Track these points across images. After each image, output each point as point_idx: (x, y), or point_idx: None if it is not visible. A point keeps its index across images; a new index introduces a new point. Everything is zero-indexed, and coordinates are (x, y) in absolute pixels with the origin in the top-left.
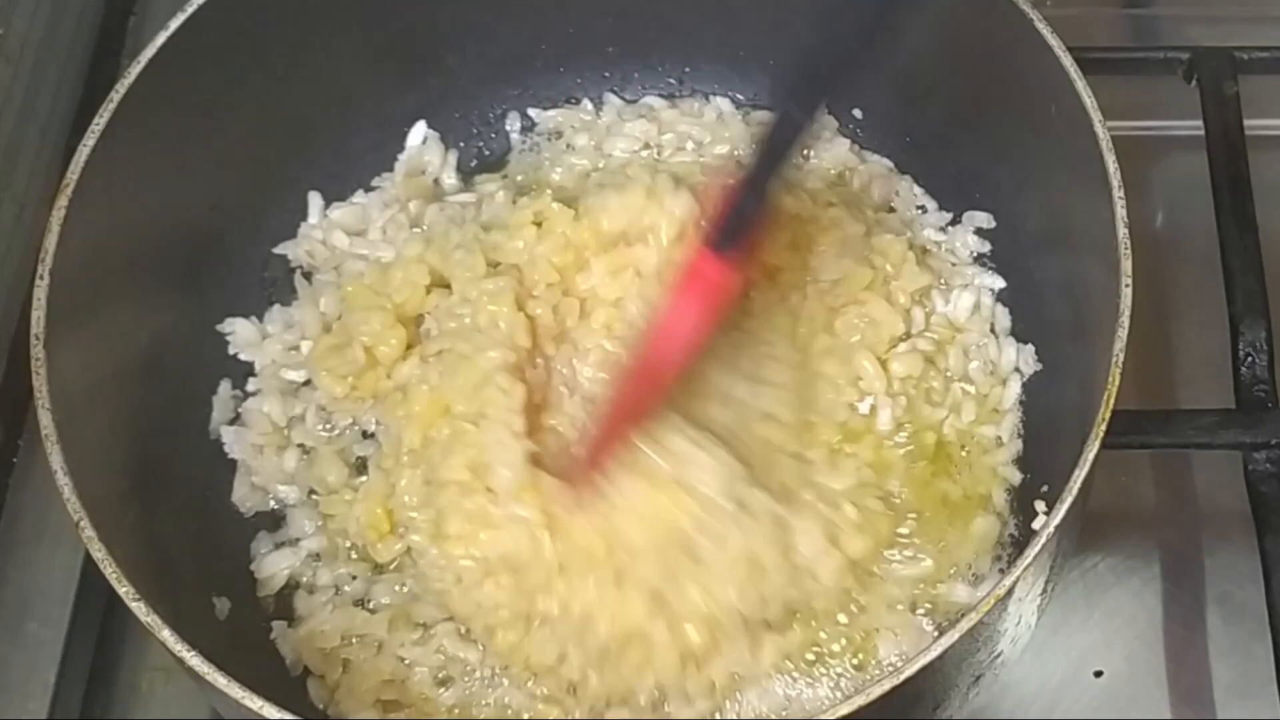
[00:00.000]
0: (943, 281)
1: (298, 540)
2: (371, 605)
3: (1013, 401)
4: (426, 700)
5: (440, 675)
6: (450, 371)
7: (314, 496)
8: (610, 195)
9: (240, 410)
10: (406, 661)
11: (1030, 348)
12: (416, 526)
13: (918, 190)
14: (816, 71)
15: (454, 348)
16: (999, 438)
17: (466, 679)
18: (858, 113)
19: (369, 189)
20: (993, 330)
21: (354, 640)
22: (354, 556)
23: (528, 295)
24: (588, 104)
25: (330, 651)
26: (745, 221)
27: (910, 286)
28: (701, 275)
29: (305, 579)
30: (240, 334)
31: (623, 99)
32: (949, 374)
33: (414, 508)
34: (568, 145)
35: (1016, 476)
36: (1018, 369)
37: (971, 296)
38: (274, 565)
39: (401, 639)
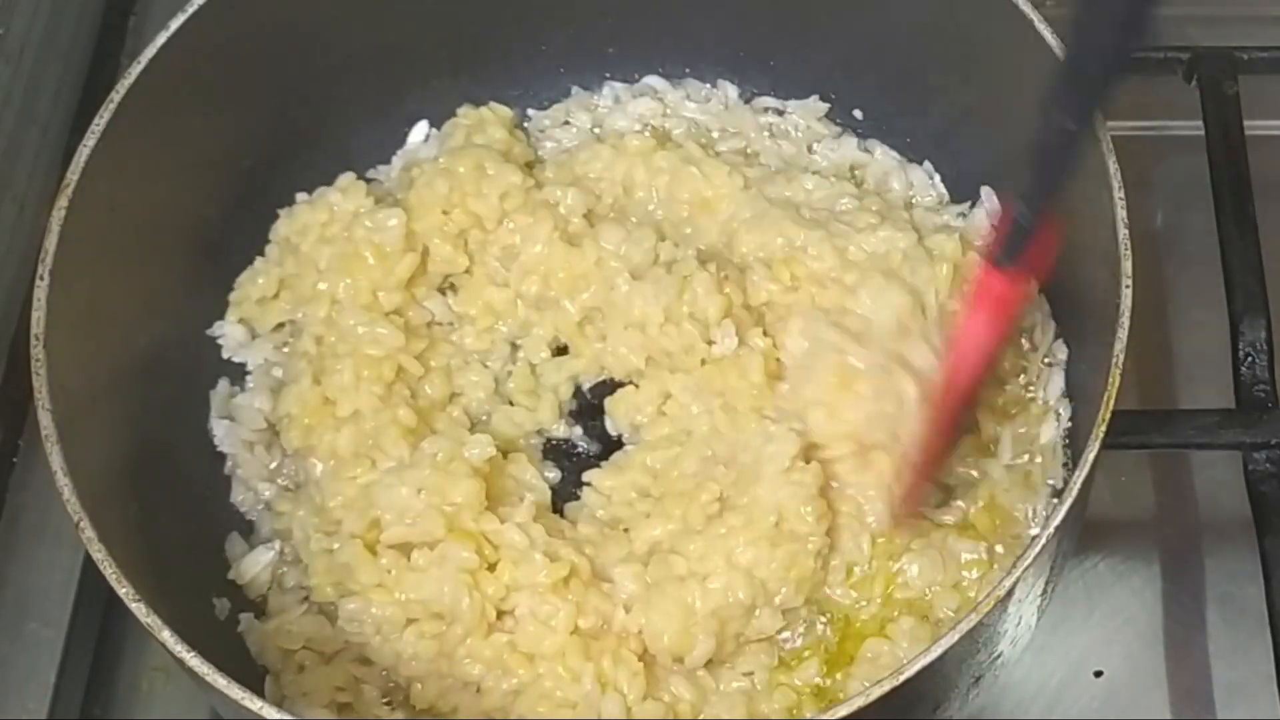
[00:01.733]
0: None
1: (271, 540)
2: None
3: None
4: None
5: (386, 700)
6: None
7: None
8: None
9: (232, 407)
10: (357, 677)
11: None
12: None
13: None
14: (1083, 77)
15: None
16: None
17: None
18: (858, 113)
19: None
20: None
21: (312, 647)
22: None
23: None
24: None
25: (290, 653)
26: (1025, 234)
27: None
28: (989, 291)
29: (280, 575)
30: (230, 335)
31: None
32: None
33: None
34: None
35: None
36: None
37: None
38: (251, 566)
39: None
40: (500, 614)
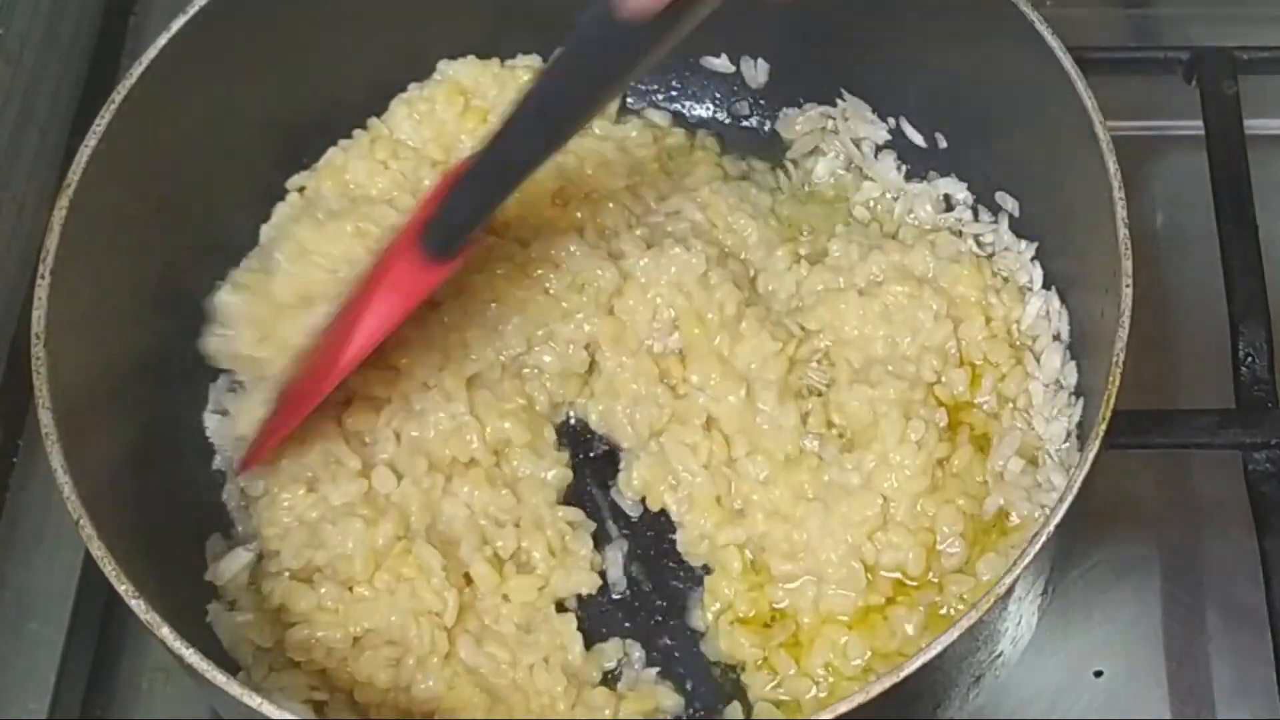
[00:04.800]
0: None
1: (251, 540)
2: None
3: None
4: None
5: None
6: None
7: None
8: None
9: (228, 402)
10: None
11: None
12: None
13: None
14: (547, 113)
15: None
16: None
17: None
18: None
19: None
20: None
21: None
22: None
23: None
24: None
25: (262, 650)
26: (461, 229)
27: None
28: (405, 275)
29: (258, 577)
30: (214, 345)
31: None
32: None
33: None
34: None
35: None
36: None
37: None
38: (229, 566)
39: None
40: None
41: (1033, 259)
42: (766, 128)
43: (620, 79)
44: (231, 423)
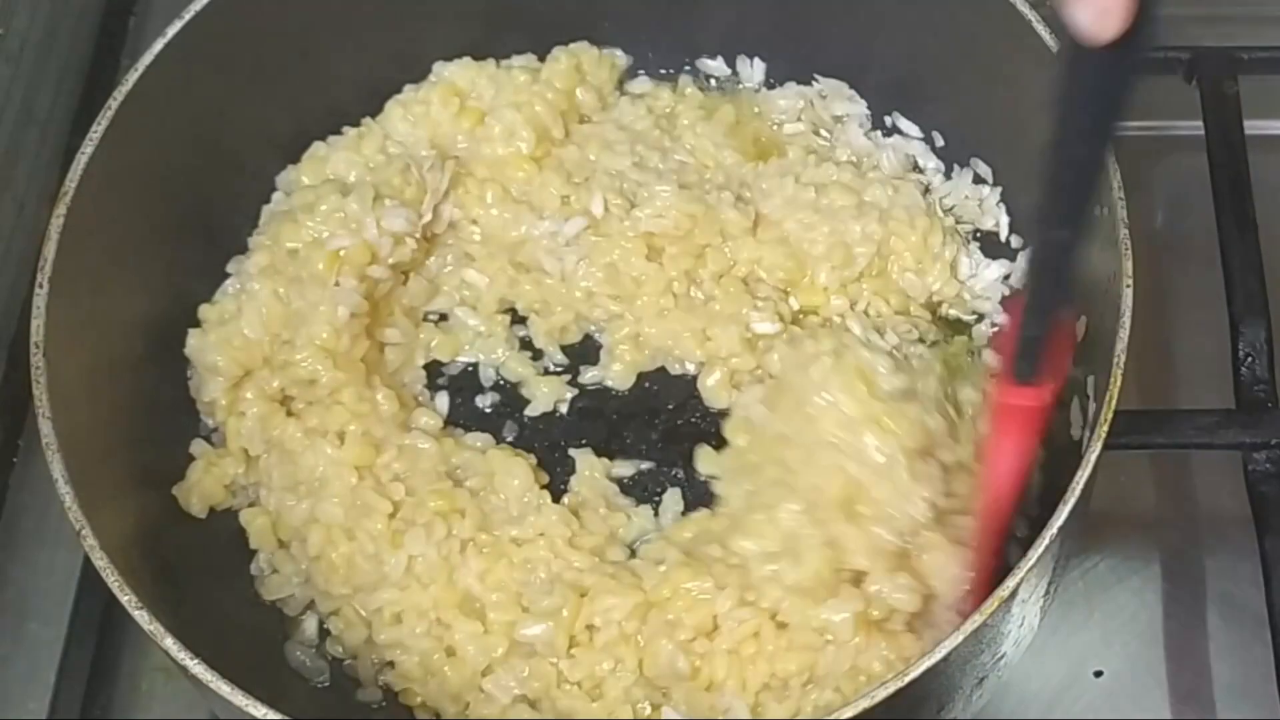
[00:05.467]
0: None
1: None
2: None
3: None
4: None
5: None
6: None
7: None
8: None
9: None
10: None
11: None
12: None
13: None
14: (1064, 186)
15: None
16: None
17: None
18: None
19: None
20: None
21: None
22: None
23: None
24: None
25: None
26: (1037, 345)
27: None
28: (1012, 409)
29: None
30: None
31: None
32: None
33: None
34: None
35: None
36: None
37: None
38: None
39: None
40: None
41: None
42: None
43: (1118, 110)
44: None
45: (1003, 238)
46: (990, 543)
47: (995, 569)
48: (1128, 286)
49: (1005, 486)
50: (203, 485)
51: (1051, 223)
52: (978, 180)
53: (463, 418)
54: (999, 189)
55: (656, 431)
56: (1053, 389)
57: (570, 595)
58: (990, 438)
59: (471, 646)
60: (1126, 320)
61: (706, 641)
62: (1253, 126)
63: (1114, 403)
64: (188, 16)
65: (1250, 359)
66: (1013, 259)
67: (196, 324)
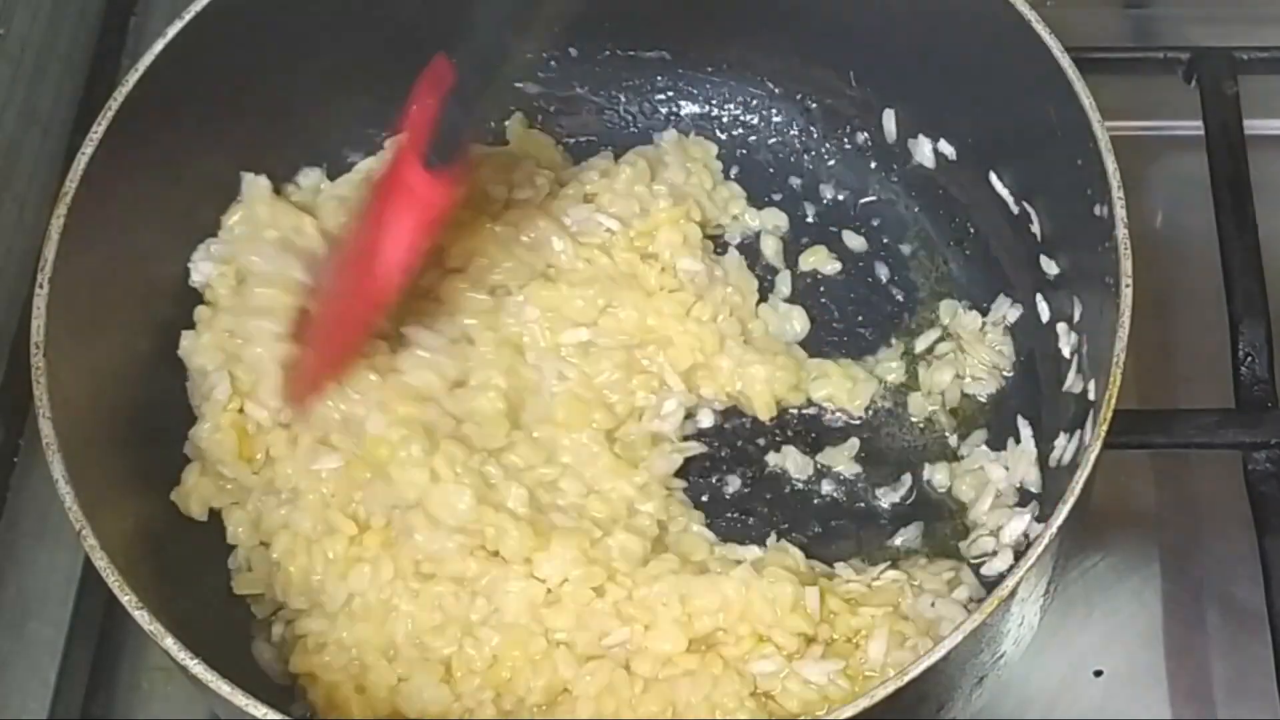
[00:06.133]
0: None
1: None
2: None
3: None
4: None
5: None
6: None
7: None
8: None
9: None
10: None
11: None
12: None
13: None
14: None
15: None
16: None
17: None
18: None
19: None
20: None
21: None
22: None
23: None
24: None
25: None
26: (457, 136)
27: None
28: (413, 191)
29: None
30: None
31: None
32: None
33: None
34: None
35: None
36: None
37: None
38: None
39: None
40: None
41: None
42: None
43: None
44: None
45: None
46: (354, 319)
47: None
48: (1127, 286)
49: (383, 271)
50: (200, 488)
51: (496, 19)
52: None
53: None
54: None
55: None
56: (457, 183)
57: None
58: (381, 216)
59: (382, 691)
60: (1126, 320)
61: None
62: (1253, 126)
63: (1114, 403)
64: (188, 16)
65: (1250, 359)
66: None
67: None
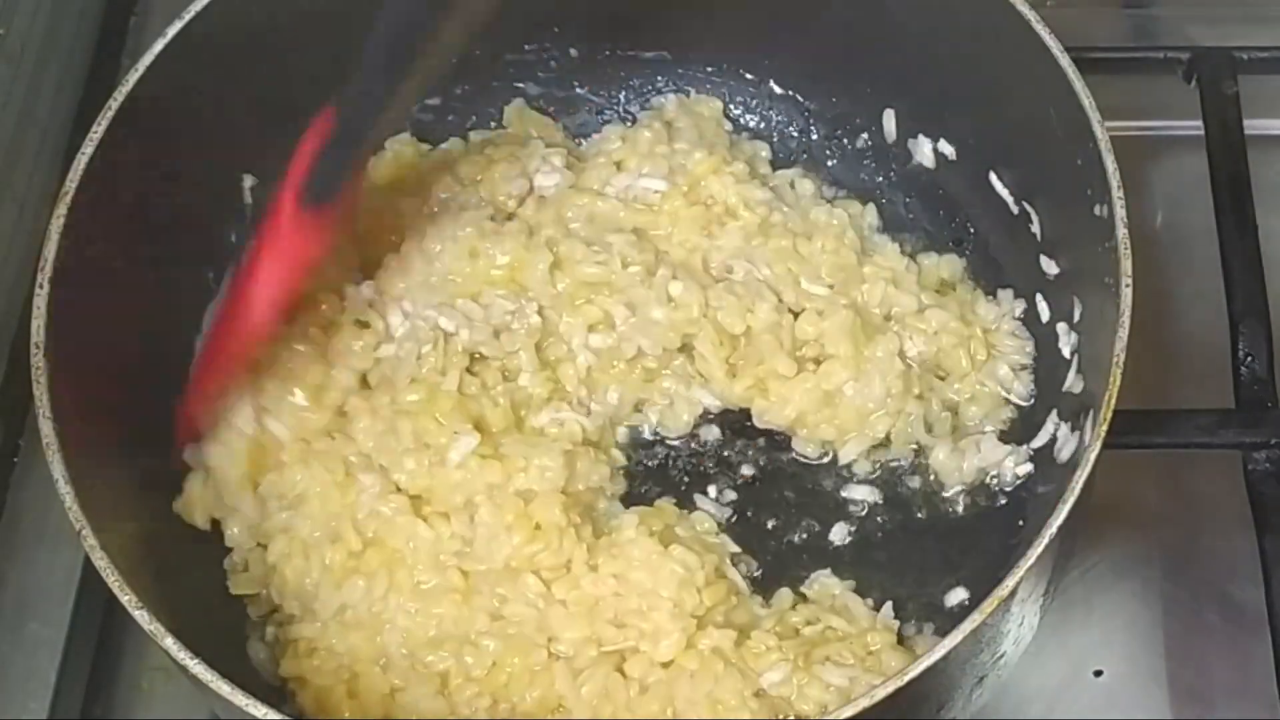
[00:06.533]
0: None
1: None
2: None
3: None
4: None
5: None
6: None
7: None
8: None
9: None
10: None
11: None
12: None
13: None
14: (393, 38)
15: None
16: None
17: None
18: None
19: None
20: None
21: None
22: None
23: None
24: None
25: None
26: (337, 176)
27: None
28: (290, 232)
29: None
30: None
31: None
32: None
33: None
34: None
35: None
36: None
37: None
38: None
39: None
40: None
41: None
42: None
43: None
44: None
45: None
46: (226, 366)
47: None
48: (1127, 286)
49: (263, 306)
50: (204, 499)
51: (379, 65)
52: None
53: None
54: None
55: None
56: (333, 219)
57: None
58: (257, 254)
59: (374, 698)
60: (1126, 320)
61: None
62: (1253, 126)
63: (1114, 402)
64: (188, 16)
65: (1250, 359)
66: None
67: (197, 324)
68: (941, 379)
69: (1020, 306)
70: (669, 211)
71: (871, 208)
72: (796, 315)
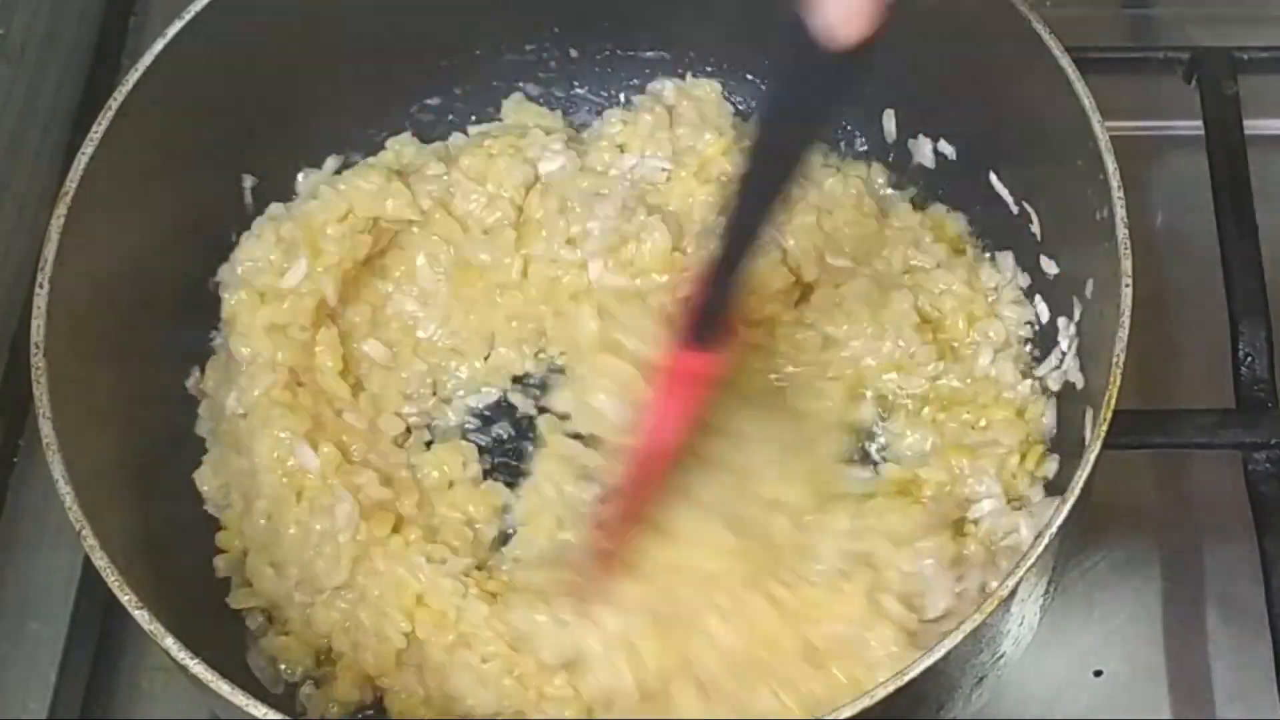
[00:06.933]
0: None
1: None
2: None
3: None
4: None
5: None
6: None
7: None
8: None
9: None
10: None
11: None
12: None
13: None
14: (764, 174)
15: None
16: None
17: None
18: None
19: None
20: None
21: None
22: None
23: None
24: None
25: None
26: (717, 311)
27: None
28: (682, 372)
29: None
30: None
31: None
32: None
33: None
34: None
35: None
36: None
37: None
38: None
39: None
40: None
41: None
42: None
43: (832, 113)
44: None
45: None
46: (635, 502)
47: (634, 528)
48: (1127, 286)
49: (661, 446)
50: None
51: (747, 206)
52: None
53: None
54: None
55: None
56: (721, 358)
57: None
58: (657, 398)
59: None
60: (1126, 320)
61: None
62: (1253, 126)
63: (1114, 402)
64: (188, 16)
65: (1250, 359)
66: None
67: (196, 323)
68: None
69: (1025, 280)
70: (680, 194)
71: (879, 166)
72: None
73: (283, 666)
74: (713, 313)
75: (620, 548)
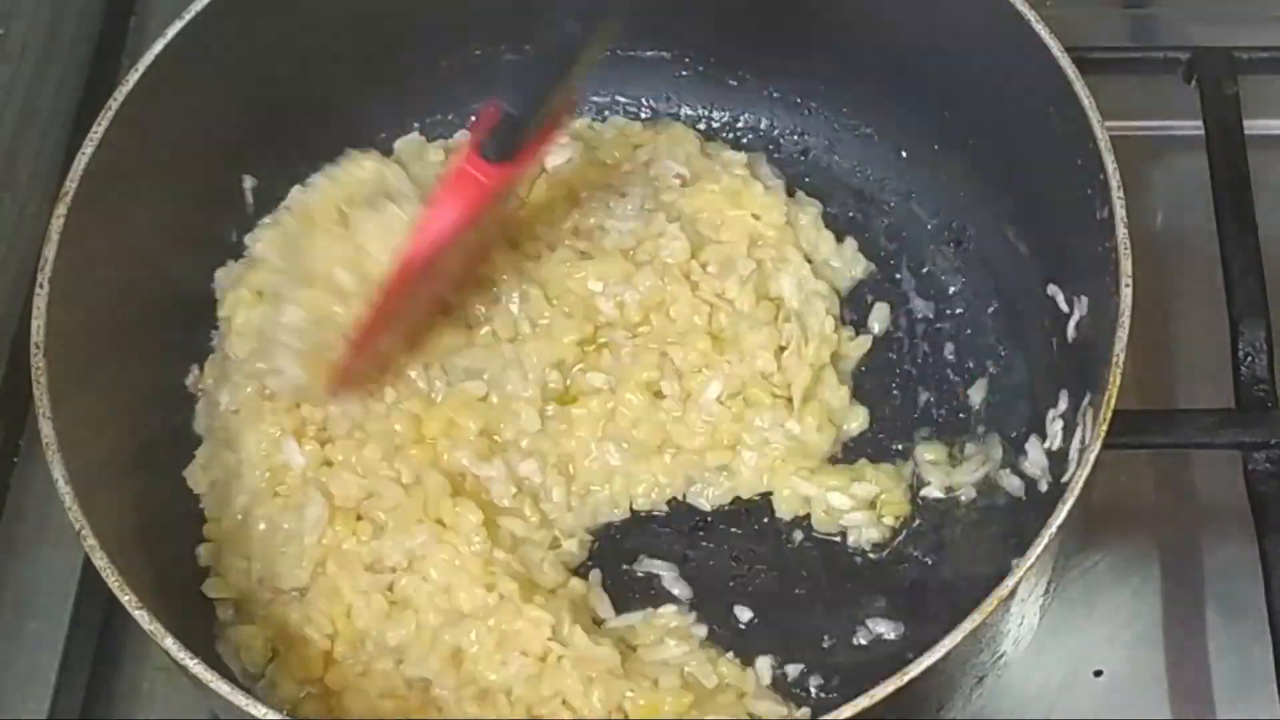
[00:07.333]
0: None
1: None
2: None
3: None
4: None
5: None
6: None
7: None
8: None
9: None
10: None
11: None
12: None
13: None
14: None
15: None
16: None
17: None
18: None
19: None
20: None
21: None
22: None
23: None
24: None
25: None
26: (516, 131)
27: None
28: (467, 178)
29: None
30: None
31: None
32: None
33: None
34: None
35: None
36: None
37: None
38: None
39: None
40: None
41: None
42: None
43: None
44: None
45: None
46: (390, 300)
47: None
48: (1127, 286)
49: (425, 250)
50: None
51: (566, 12)
52: None
53: None
54: None
55: None
56: (511, 176)
57: None
58: (436, 200)
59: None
60: (1126, 320)
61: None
62: (1253, 126)
63: (1113, 402)
64: (188, 16)
65: (1250, 359)
66: None
67: (196, 323)
68: None
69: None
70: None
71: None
72: None
73: (243, 659)
74: (513, 130)
75: (366, 356)
